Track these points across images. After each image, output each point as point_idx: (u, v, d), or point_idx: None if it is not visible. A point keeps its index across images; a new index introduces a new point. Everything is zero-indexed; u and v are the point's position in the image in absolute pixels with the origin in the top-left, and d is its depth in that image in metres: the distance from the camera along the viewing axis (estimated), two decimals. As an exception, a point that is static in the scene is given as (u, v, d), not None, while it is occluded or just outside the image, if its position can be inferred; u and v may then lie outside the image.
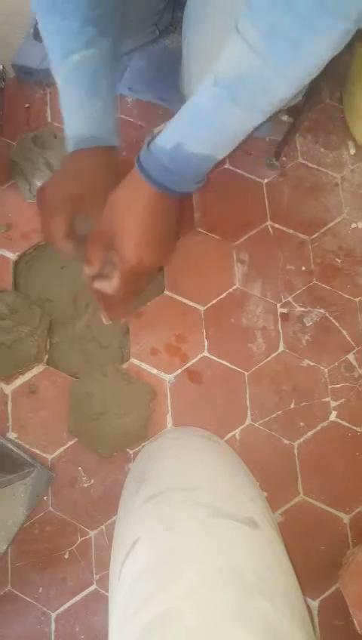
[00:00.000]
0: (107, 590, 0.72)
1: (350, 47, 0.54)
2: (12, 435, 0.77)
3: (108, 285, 0.62)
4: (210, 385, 0.79)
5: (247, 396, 0.79)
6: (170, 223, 0.60)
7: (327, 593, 0.74)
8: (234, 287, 0.83)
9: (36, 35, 0.87)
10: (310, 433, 0.78)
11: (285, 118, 0.90)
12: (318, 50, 0.45)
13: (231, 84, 0.48)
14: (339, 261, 0.85)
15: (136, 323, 0.81)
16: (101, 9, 0.61)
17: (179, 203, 0.60)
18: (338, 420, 0.79)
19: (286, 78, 0.47)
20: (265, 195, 0.87)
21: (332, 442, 0.78)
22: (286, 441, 0.78)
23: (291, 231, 0.86)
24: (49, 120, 0.89)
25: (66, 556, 0.74)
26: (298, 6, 0.42)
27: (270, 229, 0.86)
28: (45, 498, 0.75)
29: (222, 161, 0.88)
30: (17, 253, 0.83)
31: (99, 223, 0.60)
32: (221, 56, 0.48)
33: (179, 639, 0.33)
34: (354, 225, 0.87)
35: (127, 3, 0.67)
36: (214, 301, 0.82)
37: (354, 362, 0.81)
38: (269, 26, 0.44)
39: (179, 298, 0.82)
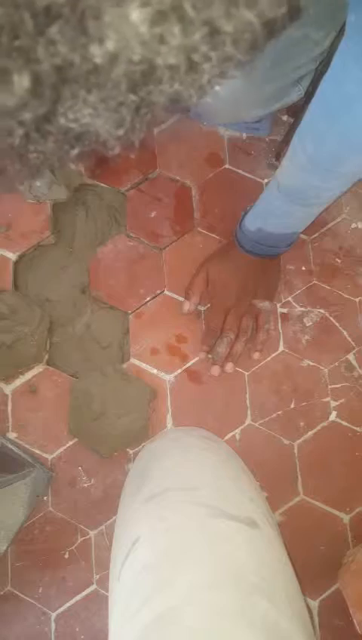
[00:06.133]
0: (107, 590, 0.72)
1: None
2: (12, 435, 0.77)
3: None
4: (210, 385, 0.79)
5: (247, 396, 0.79)
6: (271, 274, 0.79)
7: (327, 593, 0.74)
8: (234, 287, 0.83)
9: None
10: (310, 433, 0.78)
11: (285, 118, 0.90)
12: (349, 172, 0.54)
13: (289, 191, 0.60)
14: (339, 261, 0.85)
15: (136, 323, 0.81)
16: None
17: (275, 259, 0.77)
18: (339, 420, 0.79)
19: (329, 189, 0.58)
20: (265, 195, 0.87)
21: (332, 442, 0.78)
22: (286, 441, 0.78)
23: (291, 231, 0.86)
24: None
25: (66, 556, 0.74)
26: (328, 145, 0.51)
27: (270, 229, 0.86)
28: (45, 498, 0.75)
29: (222, 161, 0.89)
30: (17, 253, 0.83)
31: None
32: (282, 165, 0.59)
33: (179, 639, 0.33)
34: (354, 225, 0.87)
35: None
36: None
37: (354, 362, 0.81)
38: (308, 156, 0.53)
39: (179, 298, 0.82)
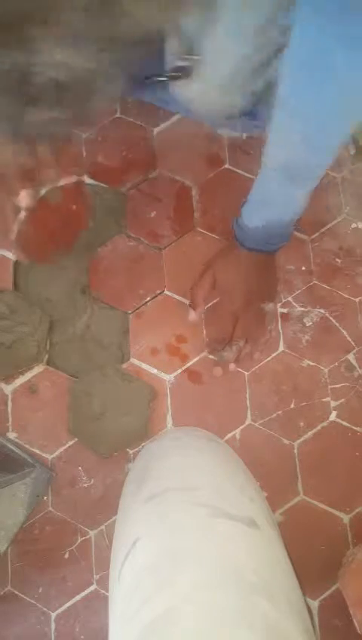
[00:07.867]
0: (107, 590, 0.72)
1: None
2: (12, 435, 0.77)
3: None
4: (210, 385, 0.79)
5: (247, 396, 0.79)
6: (271, 273, 0.78)
7: (327, 593, 0.74)
8: (234, 287, 0.83)
9: None
10: (310, 433, 0.78)
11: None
12: (333, 142, 0.54)
13: (279, 168, 0.59)
14: (339, 261, 0.85)
15: (136, 323, 0.81)
16: None
17: (272, 257, 0.77)
18: (339, 420, 0.79)
19: (317, 153, 0.57)
20: (265, 195, 0.87)
21: (332, 442, 0.78)
22: (286, 441, 0.78)
23: (291, 231, 0.86)
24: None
25: (66, 556, 0.74)
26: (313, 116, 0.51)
27: (270, 229, 0.86)
28: (45, 498, 0.75)
29: (222, 161, 0.89)
30: (17, 253, 0.83)
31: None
32: (266, 143, 0.58)
33: (178, 639, 0.33)
34: (354, 225, 0.87)
35: None
36: (215, 301, 0.82)
37: (354, 362, 0.81)
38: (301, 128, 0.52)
39: (179, 298, 0.82)
